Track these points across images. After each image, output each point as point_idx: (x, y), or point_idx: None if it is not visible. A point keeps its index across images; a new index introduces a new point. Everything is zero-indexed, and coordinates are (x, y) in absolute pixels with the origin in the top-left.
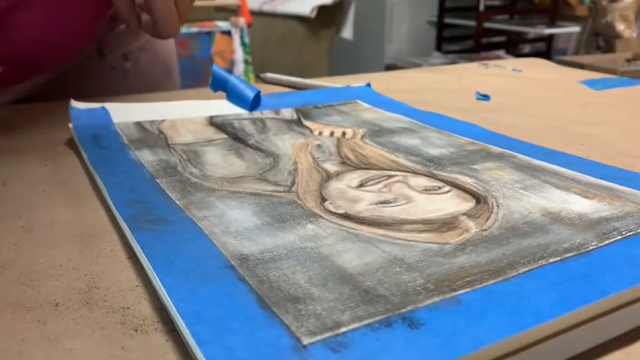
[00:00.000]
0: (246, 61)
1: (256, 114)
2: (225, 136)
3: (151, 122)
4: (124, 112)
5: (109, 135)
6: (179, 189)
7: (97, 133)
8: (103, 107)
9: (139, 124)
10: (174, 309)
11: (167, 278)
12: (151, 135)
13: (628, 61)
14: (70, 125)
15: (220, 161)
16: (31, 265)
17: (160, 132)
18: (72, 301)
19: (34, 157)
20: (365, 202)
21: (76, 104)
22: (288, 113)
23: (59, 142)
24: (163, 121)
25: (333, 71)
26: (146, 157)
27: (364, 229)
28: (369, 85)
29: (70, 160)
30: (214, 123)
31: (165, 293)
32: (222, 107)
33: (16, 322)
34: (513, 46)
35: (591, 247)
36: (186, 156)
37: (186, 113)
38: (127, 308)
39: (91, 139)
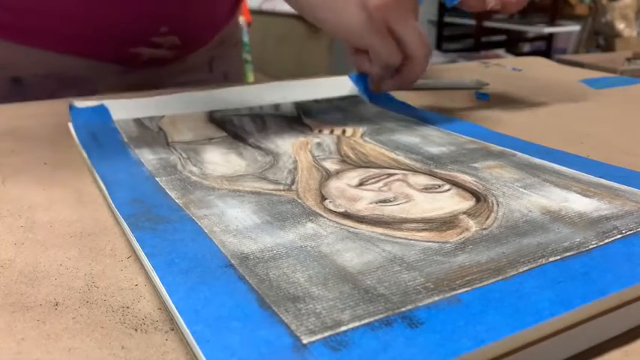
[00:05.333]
0: (245, 60)
1: (255, 110)
2: (225, 134)
3: (151, 119)
4: (123, 109)
5: (108, 132)
6: (179, 187)
7: (96, 131)
8: (102, 104)
9: (138, 121)
10: (174, 308)
11: (167, 277)
12: (151, 132)
13: (628, 60)
14: (70, 125)
15: (220, 159)
16: (30, 264)
17: (160, 129)
18: (71, 301)
19: (34, 156)
20: (365, 201)
21: (76, 103)
22: (288, 109)
23: (59, 142)
24: (163, 117)
25: (333, 70)
26: (146, 155)
27: (364, 228)
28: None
29: (70, 160)
30: (214, 119)
31: (165, 292)
32: (222, 98)
33: (15, 322)
34: (513, 45)
35: (591, 246)
36: (185, 154)
37: (186, 107)
38: (127, 307)
39: (90, 138)
